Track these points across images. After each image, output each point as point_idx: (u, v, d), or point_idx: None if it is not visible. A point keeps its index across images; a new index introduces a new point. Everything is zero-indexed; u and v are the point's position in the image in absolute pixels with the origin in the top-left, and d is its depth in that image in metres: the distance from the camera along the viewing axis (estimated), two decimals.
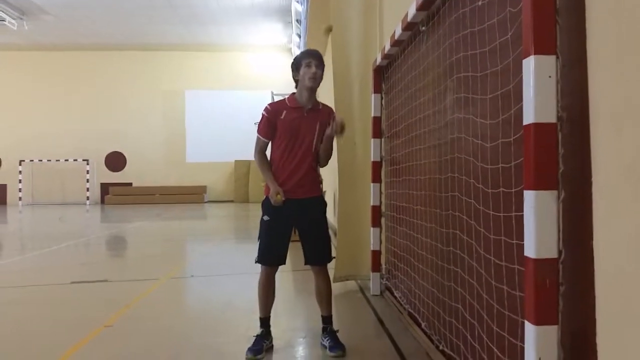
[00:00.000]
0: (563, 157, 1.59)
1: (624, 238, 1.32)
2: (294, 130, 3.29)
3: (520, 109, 1.67)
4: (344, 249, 5.00)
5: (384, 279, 4.78)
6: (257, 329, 3.39)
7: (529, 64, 1.58)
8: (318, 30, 10.31)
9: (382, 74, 4.74)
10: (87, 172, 23.52)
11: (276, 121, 3.31)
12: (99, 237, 10.91)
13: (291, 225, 3.41)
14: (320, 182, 3.53)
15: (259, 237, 3.39)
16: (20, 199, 23.09)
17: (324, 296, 3.42)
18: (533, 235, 1.56)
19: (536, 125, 1.56)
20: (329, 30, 4.52)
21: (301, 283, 5.44)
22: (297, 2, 14.29)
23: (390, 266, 4.61)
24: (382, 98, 4.76)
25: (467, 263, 2.52)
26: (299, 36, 16.26)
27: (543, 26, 1.57)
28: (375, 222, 4.80)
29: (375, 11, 5.07)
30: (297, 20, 15.85)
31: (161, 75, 24.15)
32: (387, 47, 4.08)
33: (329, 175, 8.23)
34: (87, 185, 23.47)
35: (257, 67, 24.15)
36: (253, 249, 3.54)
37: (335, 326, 3.42)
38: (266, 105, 3.41)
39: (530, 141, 1.58)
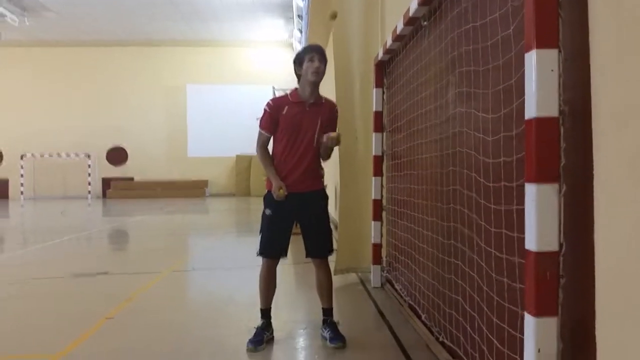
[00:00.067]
0: (565, 150, 1.59)
1: (625, 231, 1.33)
2: (296, 125, 3.30)
3: (522, 103, 1.67)
4: (344, 242, 5.02)
5: (385, 272, 4.80)
6: (258, 321, 3.41)
7: (531, 57, 1.58)
8: (319, 25, 10.28)
9: (383, 69, 4.74)
10: (89, 166, 23.53)
11: (278, 116, 3.32)
12: (101, 230, 10.94)
13: (293, 219, 3.42)
14: (322, 175, 3.54)
15: (261, 231, 3.41)
16: (22, 193, 23.10)
17: (325, 288, 3.44)
18: (534, 228, 1.57)
19: (538, 119, 1.57)
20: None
21: (302, 276, 5.46)
22: None
23: (391, 259, 4.63)
24: (383, 93, 4.77)
25: (467, 256, 2.53)
26: (301, 32, 16.22)
27: (545, 20, 1.57)
28: (377, 216, 4.81)
29: (377, 6, 5.06)
30: (298, 16, 15.80)
31: (163, 70, 24.12)
32: (389, 41, 4.08)
33: (330, 168, 8.24)
34: (89, 179, 23.46)
35: (259, 63, 24.11)
36: (254, 242, 3.56)
37: (335, 318, 3.44)
38: (268, 100, 3.42)
39: (532, 135, 1.59)
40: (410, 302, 3.83)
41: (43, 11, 18.48)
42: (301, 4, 14.24)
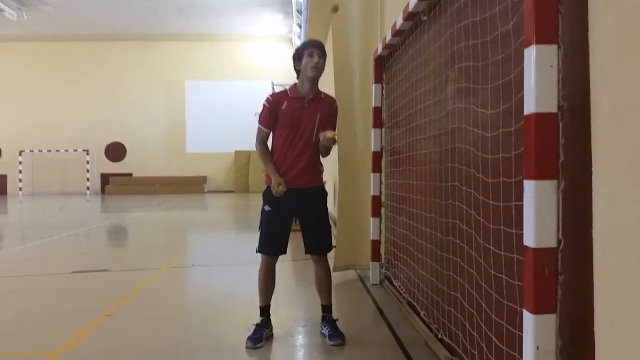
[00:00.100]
0: (563, 146, 1.59)
1: (624, 228, 1.32)
2: (295, 121, 3.29)
3: (521, 99, 1.67)
4: (343, 239, 5.01)
5: (384, 269, 4.80)
6: (257, 318, 3.41)
7: (531, 53, 1.57)
8: (319, 20, 10.26)
9: (383, 64, 4.73)
10: (87, 162, 23.53)
11: (277, 112, 3.30)
12: (100, 227, 10.94)
13: (292, 215, 3.41)
14: (321, 172, 3.54)
15: (260, 227, 3.40)
16: (20, 189, 23.12)
17: (324, 285, 3.43)
18: (533, 224, 1.57)
19: (537, 115, 1.56)
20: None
21: (301, 272, 5.46)
22: None
23: (390, 256, 4.63)
24: (382, 88, 4.75)
25: (466, 252, 2.52)
26: (300, 26, 16.18)
27: (545, 15, 1.56)
28: (375, 212, 4.81)
29: (377, 0, 5.04)
30: (297, 11, 15.77)
31: (161, 65, 24.10)
32: (388, 37, 4.07)
33: (329, 165, 8.23)
34: (88, 175, 23.49)
35: (258, 58, 24.08)
36: (253, 239, 3.55)
37: (334, 315, 3.44)
38: (267, 95, 3.40)
39: (530, 131, 1.58)
40: (409, 299, 3.83)
41: (41, 5, 18.43)
42: None
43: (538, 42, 1.55)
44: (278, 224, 3.34)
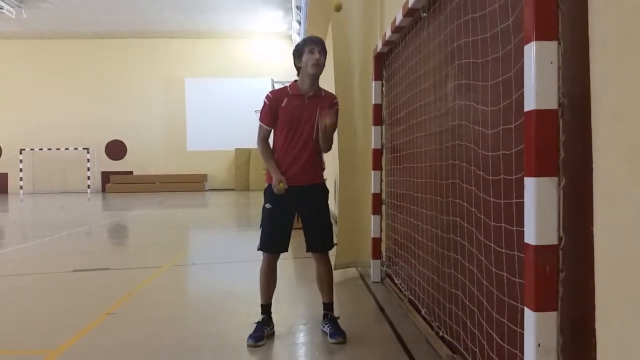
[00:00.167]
0: (564, 143, 1.58)
1: (624, 224, 1.32)
2: (296, 118, 3.28)
3: (521, 96, 1.66)
4: (344, 237, 5.01)
5: (385, 266, 4.80)
6: (258, 316, 3.41)
7: (531, 50, 1.57)
8: (319, 17, 10.23)
9: (382, 61, 4.72)
10: (88, 160, 23.52)
11: (277, 109, 3.30)
12: (101, 225, 10.94)
13: (293, 212, 3.40)
14: (323, 169, 3.53)
15: (261, 225, 3.39)
16: (21, 187, 23.13)
17: (325, 283, 3.43)
18: (533, 221, 1.57)
19: (537, 112, 1.56)
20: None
21: (302, 270, 5.46)
22: None
23: (391, 253, 4.63)
24: (382, 85, 4.74)
25: (467, 250, 2.52)
26: (299, 23, 16.14)
27: (545, 12, 1.55)
28: (376, 210, 4.81)
29: None
30: (297, 7, 15.74)
31: (160, 63, 24.05)
32: (388, 33, 4.06)
33: (329, 162, 8.23)
34: (88, 173, 23.48)
35: (258, 55, 24.03)
36: (254, 237, 3.55)
37: (336, 313, 3.44)
38: (268, 93, 3.40)
39: (531, 128, 1.58)
40: (410, 296, 3.83)
41: (40, 2, 18.39)
42: None
43: (538, 38, 1.55)
44: (279, 221, 3.33)
